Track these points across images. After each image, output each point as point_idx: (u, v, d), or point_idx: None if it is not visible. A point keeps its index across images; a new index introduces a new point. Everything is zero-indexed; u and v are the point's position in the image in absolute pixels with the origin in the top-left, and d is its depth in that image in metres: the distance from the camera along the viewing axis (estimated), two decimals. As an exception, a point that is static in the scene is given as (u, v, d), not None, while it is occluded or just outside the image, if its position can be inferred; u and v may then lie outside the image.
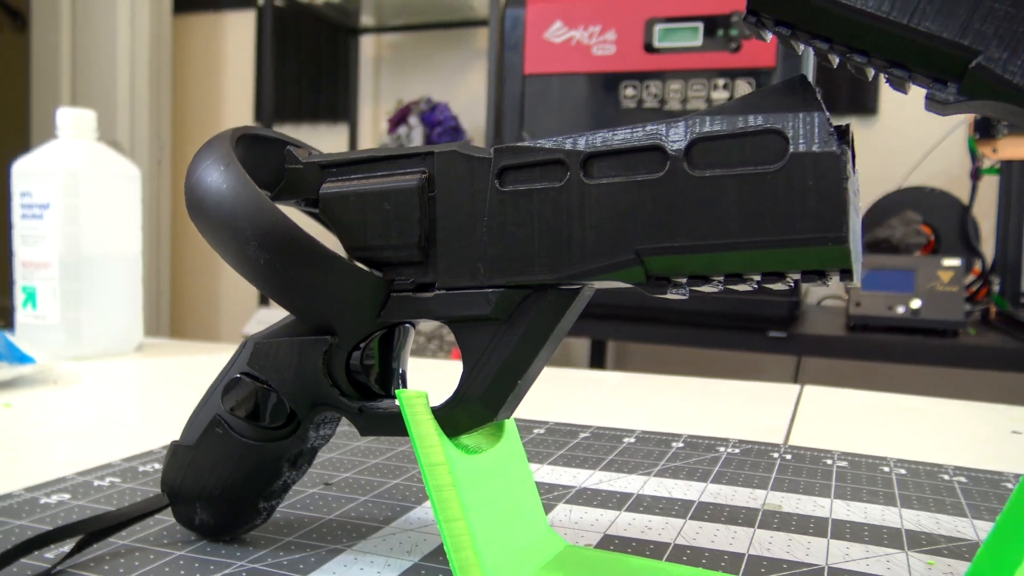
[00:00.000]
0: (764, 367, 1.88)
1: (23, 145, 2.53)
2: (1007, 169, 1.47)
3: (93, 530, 0.29)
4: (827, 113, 0.21)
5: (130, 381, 0.66)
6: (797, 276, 0.22)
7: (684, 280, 0.23)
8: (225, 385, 0.29)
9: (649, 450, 0.44)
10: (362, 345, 0.27)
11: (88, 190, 0.73)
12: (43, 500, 0.34)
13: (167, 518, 0.32)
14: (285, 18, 2.36)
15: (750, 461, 0.42)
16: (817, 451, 0.44)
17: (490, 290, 0.25)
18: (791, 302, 1.28)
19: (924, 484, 0.39)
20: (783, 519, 0.34)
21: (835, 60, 0.21)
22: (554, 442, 0.46)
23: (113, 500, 0.35)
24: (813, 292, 1.82)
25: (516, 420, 0.50)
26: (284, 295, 0.27)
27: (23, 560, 0.28)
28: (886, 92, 1.92)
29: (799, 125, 0.21)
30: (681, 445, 0.45)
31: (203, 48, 2.60)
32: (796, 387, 0.64)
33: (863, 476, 0.40)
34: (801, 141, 0.21)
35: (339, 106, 2.39)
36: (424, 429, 0.25)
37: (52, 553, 0.29)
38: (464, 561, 0.24)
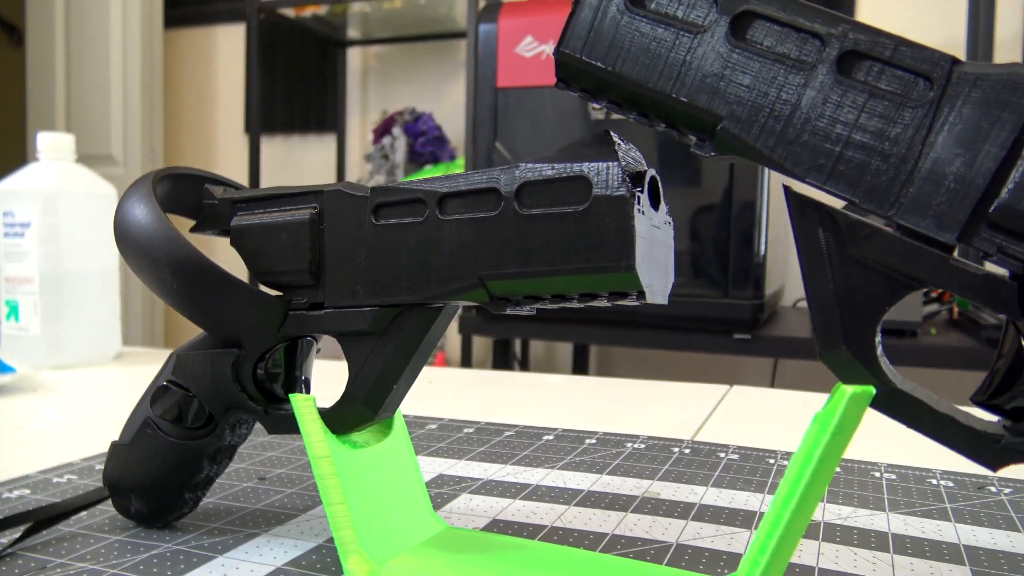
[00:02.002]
0: (741, 370, 1.93)
1: (21, 156, 2.59)
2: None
3: (41, 518, 0.33)
4: (622, 162, 0.25)
5: (104, 388, 0.71)
6: (606, 295, 0.26)
7: (520, 299, 0.27)
8: (154, 392, 0.33)
9: (562, 446, 0.49)
10: (267, 356, 0.32)
11: (66, 209, 0.78)
12: (5, 495, 0.39)
13: (108, 508, 0.37)
14: (274, 32, 2.42)
15: (650, 455, 0.47)
16: (715, 446, 0.49)
17: (368, 309, 0.29)
18: (754, 305, 1.32)
19: (799, 474, 0.43)
20: (655, 504, 0.38)
21: (631, 116, 0.26)
22: (478, 440, 0.50)
23: (68, 495, 0.39)
24: (788, 294, 1.86)
25: (448, 420, 0.55)
26: (195, 314, 0.31)
27: (-21, 544, 0.32)
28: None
29: (601, 172, 0.25)
30: (593, 442, 0.50)
31: (194, 61, 2.66)
32: (725, 388, 0.68)
33: (747, 467, 0.44)
34: (602, 185, 0.25)
35: (327, 117, 2.44)
36: (311, 427, 0.29)
37: (6, 538, 0.33)
38: (344, 539, 0.28)
